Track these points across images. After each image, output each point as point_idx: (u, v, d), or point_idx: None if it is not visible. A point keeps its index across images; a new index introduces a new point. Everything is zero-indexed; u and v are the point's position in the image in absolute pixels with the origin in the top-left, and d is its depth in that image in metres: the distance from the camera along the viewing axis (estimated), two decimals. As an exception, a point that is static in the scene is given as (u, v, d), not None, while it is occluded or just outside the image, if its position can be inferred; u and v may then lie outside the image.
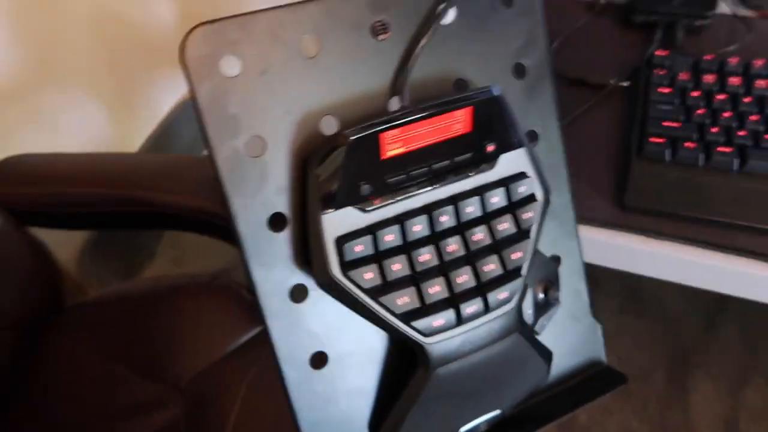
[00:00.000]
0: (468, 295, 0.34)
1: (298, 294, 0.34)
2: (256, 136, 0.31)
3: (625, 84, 0.50)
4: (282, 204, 0.32)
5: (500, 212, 0.35)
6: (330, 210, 0.31)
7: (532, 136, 0.39)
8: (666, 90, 0.47)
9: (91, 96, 1.10)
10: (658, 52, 0.49)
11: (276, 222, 0.33)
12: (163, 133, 1.25)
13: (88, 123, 1.11)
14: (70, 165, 0.68)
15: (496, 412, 0.39)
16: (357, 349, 0.36)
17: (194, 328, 0.74)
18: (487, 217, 0.34)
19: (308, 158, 0.32)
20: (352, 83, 0.33)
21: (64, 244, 1.08)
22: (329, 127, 0.33)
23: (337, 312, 0.34)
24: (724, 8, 0.56)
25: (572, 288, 0.41)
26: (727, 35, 0.53)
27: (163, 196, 0.62)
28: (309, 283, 0.33)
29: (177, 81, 1.25)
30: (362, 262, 0.32)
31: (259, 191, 0.32)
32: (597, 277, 0.45)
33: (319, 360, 0.35)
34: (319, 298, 0.34)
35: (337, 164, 0.31)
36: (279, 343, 0.33)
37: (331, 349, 0.35)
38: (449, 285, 0.33)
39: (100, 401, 0.71)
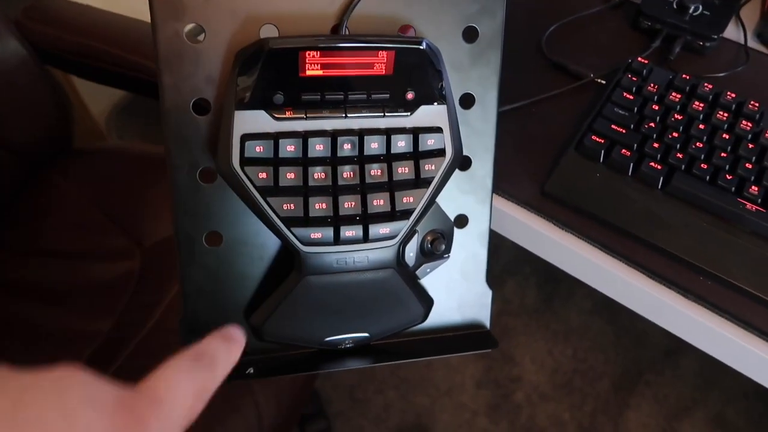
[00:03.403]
0: (350, 220, 0.37)
1: (207, 175, 0.37)
2: (198, 25, 0.34)
3: (601, 81, 0.50)
4: (209, 92, 0.36)
5: (404, 156, 0.37)
6: (243, 108, 0.34)
7: (469, 99, 0.40)
8: (629, 96, 0.47)
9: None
10: (640, 59, 0.49)
11: (199, 107, 0.36)
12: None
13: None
14: (96, 20, 0.72)
15: (364, 334, 0.42)
16: (251, 241, 0.39)
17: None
18: (390, 158, 0.37)
19: (237, 55, 0.35)
20: (300, 1, 0.35)
21: (96, 95, 1.15)
22: (269, 34, 0.36)
23: (237, 202, 0.38)
24: (735, 35, 0.54)
25: (472, 250, 0.44)
26: (725, 63, 0.52)
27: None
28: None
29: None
30: (260, 161, 0.35)
31: (191, 76, 0.35)
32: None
33: (213, 238, 0.39)
34: (225, 185, 0.37)
35: (257, 68, 0.33)
36: (180, 214, 0.38)
37: (227, 233, 0.39)
38: (335, 206, 0.36)
39: (78, 240, 0.79)
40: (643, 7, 0.53)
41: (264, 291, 0.40)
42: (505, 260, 1.28)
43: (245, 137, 0.35)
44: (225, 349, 0.26)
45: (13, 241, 0.78)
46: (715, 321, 0.40)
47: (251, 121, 0.35)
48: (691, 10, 0.52)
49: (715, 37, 0.52)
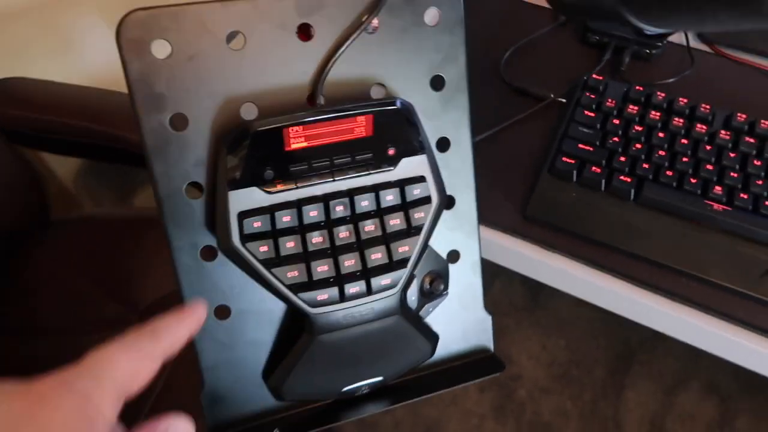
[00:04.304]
0: (353, 277, 0.38)
1: (208, 253, 0.39)
2: (180, 114, 0.36)
3: (562, 100, 0.53)
4: (198, 175, 0.37)
5: (393, 209, 0.39)
6: (236, 188, 0.36)
7: (445, 143, 0.42)
8: (590, 114, 0.50)
9: (107, 22, 1.13)
10: (595, 76, 0.52)
11: (192, 190, 0.37)
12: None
13: (101, 49, 1.15)
14: (60, 95, 0.72)
15: (378, 378, 0.44)
16: (257, 308, 0.41)
17: (159, 259, 0.80)
18: (381, 212, 0.39)
19: (222, 139, 0.36)
20: (274, 77, 0.37)
21: (65, 161, 1.14)
22: (249, 113, 0.37)
23: (241, 274, 0.39)
24: (678, 37, 0.58)
25: (467, 282, 0.46)
26: (673, 66, 0.55)
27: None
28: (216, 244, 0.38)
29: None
30: (259, 236, 0.36)
31: (179, 162, 0.36)
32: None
33: (222, 312, 0.40)
34: (226, 259, 0.39)
35: (244, 150, 0.35)
36: (187, 293, 0.39)
37: (234, 305, 0.40)
38: (337, 266, 0.38)
39: (69, 313, 0.78)
40: (590, 22, 0.56)
41: (278, 352, 0.42)
42: (488, 263, 1.30)
43: (242, 215, 0.36)
44: (174, 320, 0.29)
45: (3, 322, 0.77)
46: (702, 319, 0.43)
47: (245, 198, 0.36)
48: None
49: (660, 44, 0.55)
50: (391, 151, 0.38)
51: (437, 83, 0.40)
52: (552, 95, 0.54)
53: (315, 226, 0.37)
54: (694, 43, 0.59)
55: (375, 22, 0.37)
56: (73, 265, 0.81)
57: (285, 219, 0.37)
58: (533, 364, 1.19)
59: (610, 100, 0.50)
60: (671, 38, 0.57)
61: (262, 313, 0.41)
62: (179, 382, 0.69)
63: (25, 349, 0.74)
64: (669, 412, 1.13)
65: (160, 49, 0.34)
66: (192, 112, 0.36)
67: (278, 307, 0.41)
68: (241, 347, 0.41)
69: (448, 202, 0.43)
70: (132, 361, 0.26)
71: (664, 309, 0.44)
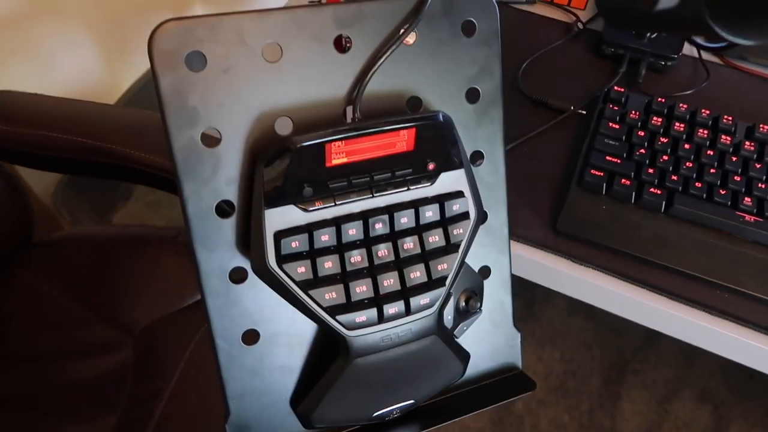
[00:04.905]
0: (392, 297, 0.37)
1: (237, 275, 0.36)
2: (213, 129, 0.34)
3: (582, 112, 0.53)
4: (231, 193, 0.35)
5: (432, 225, 0.38)
6: (273, 206, 0.34)
7: (478, 156, 0.41)
8: (615, 126, 0.50)
9: (86, 35, 1.10)
10: (616, 88, 0.52)
11: (223, 209, 0.35)
12: (149, 83, 1.25)
13: (79, 61, 1.11)
14: (49, 109, 0.69)
15: (410, 401, 0.42)
16: (287, 331, 0.39)
17: (153, 279, 0.77)
18: (420, 229, 0.37)
19: (259, 155, 0.34)
20: (310, 90, 0.35)
21: (42, 177, 1.10)
22: (284, 127, 0.35)
23: (271, 295, 0.37)
24: (691, 50, 0.58)
25: (497, 298, 0.44)
26: (688, 78, 0.56)
27: (136, 153, 0.64)
28: (248, 266, 0.36)
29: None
30: (297, 256, 0.35)
31: (211, 180, 0.34)
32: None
33: (250, 337, 0.38)
34: (256, 281, 0.37)
35: (283, 166, 0.33)
36: (215, 318, 0.36)
37: (263, 329, 0.38)
38: (375, 286, 0.36)
39: (57, 338, 0.75)
40: (605, 35, 0.56)
41: (309, 377, 0.40)
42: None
43: (279, 234, 0.34)
44: None
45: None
46: (738, 331, 0.42)
47: (282, 217, 0.34)
48: (648, 34, 0.55)
49: (675, 56, 0.55)
50: (431, 166, 0.37)
51: (472, 96, 0.40)
52: (572, 107, 0.53)
53: (353, 245, 0.36)
54: (706, 55, 0.59)
55: (413, 34, 0.36)
56: (60, 287, 0.78)
57: (324, 238, 0.35)
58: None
59: (633, 112, 0.50)
60: (683, 50, 0.58)
61: (292, 337, 0.39)
62: (181, 409, 0.66)
63: (14, 376, 0.70)
64: (665, 420, 1.13)
65: (195, 61, 0.32)
66: (225, 127, 0.34)
67: (309, 330, 0.39)
68: (270, 373, 0.39)
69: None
70: None
71: (699, 322, 0.43)
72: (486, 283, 0.43)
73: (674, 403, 1.15)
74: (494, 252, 0.43)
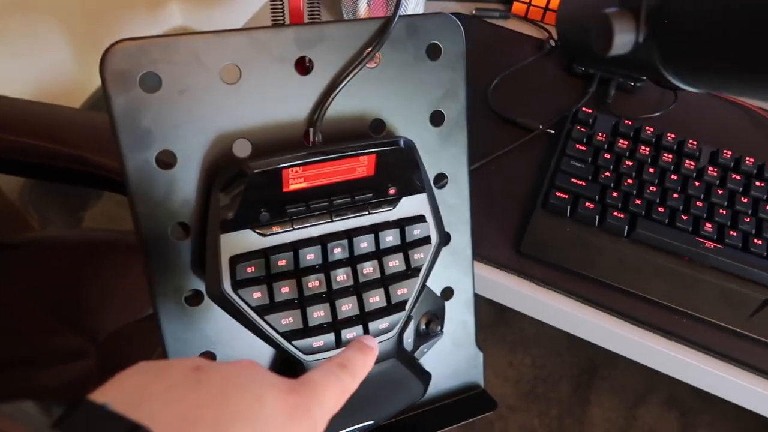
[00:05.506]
0: (350, 322, 0.36)
1: (193, 298, 0.36)
2: (168, 151, 0.33)
3: (551, 131, 0.53)
4: (186, 215, 0.34)
5: (393, 250, 0.37)
6: (229, 231, 0.33)
7: (442, 178, 0.41)
8: (582, 147, 0.50)
9: (58, 29, 1.07)
10: (584, 109, 0.52)
11: (178, 231, 0.34)
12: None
13: (49, 56, 1.09)
14: (7, 110, 0.67)
15: (370, 422, 0.42)
16: (245, 354, 0.38)
17: (120, 286, 0.75)
18: (380, 253, 0.37)
19: (215, 179, 0.34)
20: (270, 112, 0.35)
21: (9, 178, 1.07)
22: (242, 149, 0.35)
23: (229, 318, 0.36)
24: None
25: (460, 319, 0.44)
26: (656, 100, 0.56)
27: (96, 157, 0.63)
28: (205, 289, 0.36)
29: (149, 29, 1.21)
30: (253, 281, 0.34)
31: (165, 201, 0.34)
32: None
33: (207, 359, 0.37)
34: (213, 304, 0.36)
35: (239, 191, 0.32)
36: (169, 342, 0.36)
37: (220, 351, 0.37)
38: (333, 311, 0.36)
39: (21, 343, 0.73)
40: (576, 54, 0.56)
41: (265, 401, 0.39)
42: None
43: (234, 259, 0.34)
44: (362, 357, 0.30)
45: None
46: (697, 358, 0.43)
47: (238, 241, 0.34)
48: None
49: (644, 78, 0.55)
50: (392, 191, 0.36)
51: (437, 119, 0.39)
52: (540, 126, 0.53)
53: (311, 270, 0.35)
54: (675, 77, 0.59)
55: (376, 56, 0.36)
56: (25, 293, 0.76)
57: (281, 263, 0.34)
58: (500, 381, 1.19)
59: (600, 134, 0.50)
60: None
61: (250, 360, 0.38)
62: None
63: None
64: (632, 426, 1.15)
65: (150, 82, 0.31)
66: (180, 149, 0.33)
67: (267, 353, 0.39)
68: (227, 395, 0.38)
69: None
70: (337, 395, 0.28)
71: (658, 347, 0.44)
72: (449, 303, 0.43)
73: (642, 408, 1.17)
74: (457, 273, 0.43)
